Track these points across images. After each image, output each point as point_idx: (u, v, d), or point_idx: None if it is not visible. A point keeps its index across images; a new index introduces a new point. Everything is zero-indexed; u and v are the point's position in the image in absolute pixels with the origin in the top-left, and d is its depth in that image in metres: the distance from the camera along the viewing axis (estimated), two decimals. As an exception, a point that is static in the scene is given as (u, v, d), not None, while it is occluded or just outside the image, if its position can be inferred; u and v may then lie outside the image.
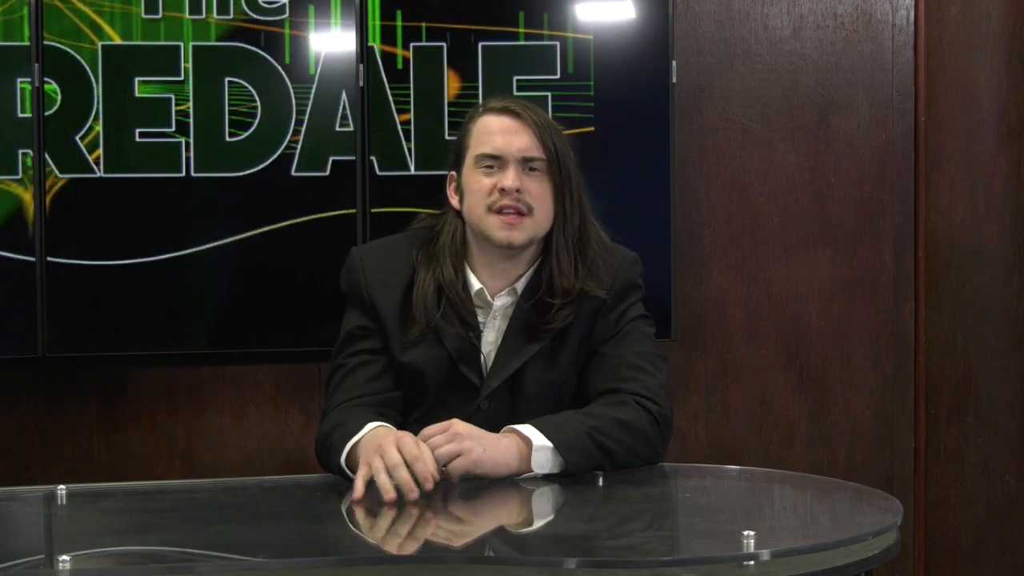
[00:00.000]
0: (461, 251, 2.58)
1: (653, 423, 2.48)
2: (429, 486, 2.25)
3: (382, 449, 2.27)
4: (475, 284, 2.57)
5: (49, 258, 3.31)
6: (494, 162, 2.53)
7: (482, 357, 2.56)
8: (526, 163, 2.53)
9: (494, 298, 2.57)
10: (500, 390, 2.54)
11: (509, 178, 2.51)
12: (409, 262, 2.58)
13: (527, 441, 2.37)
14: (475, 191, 2.54)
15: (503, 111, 2.57)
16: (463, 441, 2.31)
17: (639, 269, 2.66)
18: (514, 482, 2.37)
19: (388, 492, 2.23)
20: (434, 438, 2.31)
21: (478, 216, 2.54)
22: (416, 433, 2.36)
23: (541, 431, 2.39)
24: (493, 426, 2.44)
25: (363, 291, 2.58)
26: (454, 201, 2.61)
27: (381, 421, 2.44)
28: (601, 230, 2.66)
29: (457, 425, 2.34)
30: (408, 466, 2.24)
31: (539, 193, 2.54)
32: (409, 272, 2.57)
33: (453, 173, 2.62)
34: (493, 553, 2.03)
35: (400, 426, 2.51)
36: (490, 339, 2.57)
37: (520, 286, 2.58)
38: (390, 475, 2.24)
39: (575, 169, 2.61)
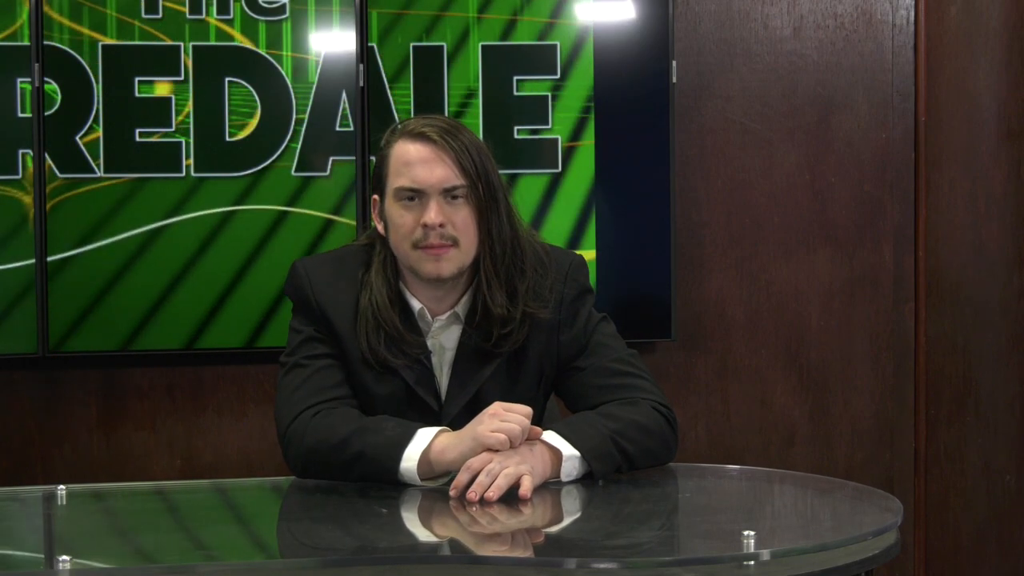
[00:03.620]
0: (393, 280, 2.51)
1: (666, 424, 2.47)
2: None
3: (496, 414, 2.31)
4: (416, 304, 2.50)
5: (49, 258, 3.32)
6: (414, 195, 2.45)
7: (435, 381, 2.51)
8: (447, 193, 2.44)
9: (434, 319, 2.51)
10: (460, 417, 2.46)
11: (432, 214, 2.42)
12: (355, 282, 2.51)
13: (555, 451, 2.36)
14: (399, 226, 2.46)
15: (419, 137, 2.46)
16: (522, 463, 2.29)
17: (584, 271, 2.59)
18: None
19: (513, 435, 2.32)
20: (498, 459, 2.28)
21: (404, 251, 2.46)
22: None
23: (566, 439, 2.36)
24: None
25: (314, 309, 2.51)
26: (380, 227, 2.53)
27: (424, 425, 2.40)
28: (536, 242, 2.58)
29: (510, 453, 2.31)
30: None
31: (463, 223, 2.45)
32: (355, 293, 2.51)
33: (376, 197, 2.53)
34: (493, 553, 2.03)
35: None
36: (436, 361, 2.52)
37: (461, 310, 2.51)
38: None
39: (500, 186, 2.51)
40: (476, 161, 2.46)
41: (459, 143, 2.46)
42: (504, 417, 2.31)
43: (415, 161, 2.45)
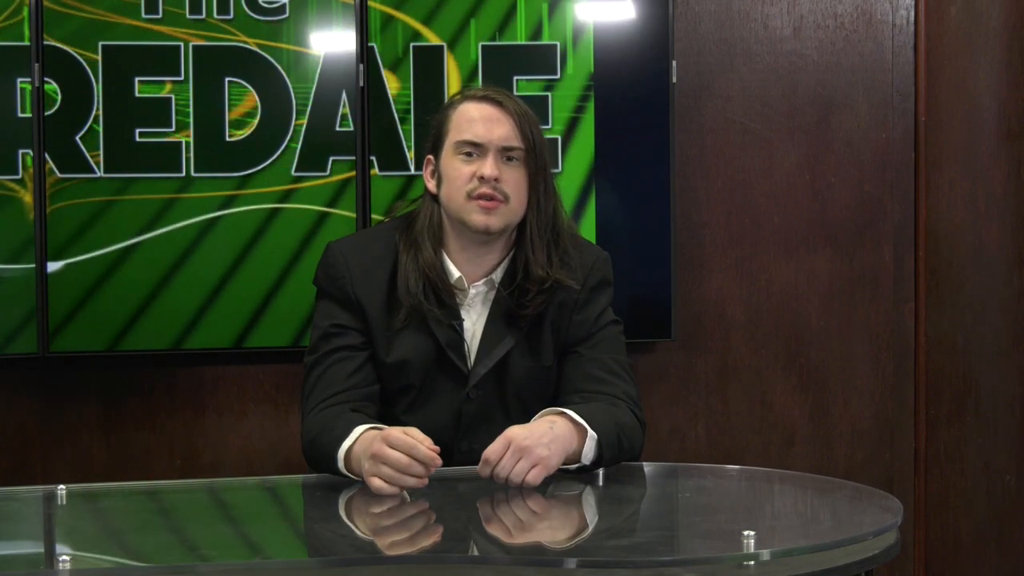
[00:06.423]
0: (438, 234, 2.61)
1: (641, 432, 2.54)
2: (439, 462, 2.28)
3: (379, 455, 2.27)
4: (454, 272, 2.59)
5: (49, 258, 3.32)
6: (474, 149, 2.56)
7: (466, 345, 2.58)
8: (505, 152, 2.56)
9: (471, 286, 2.60)
10: (487, 378, 2.57)
11: (488, 167, 2.54)
12: (391, 248, 2.61)
13: (580, 429, 2.39)
14: (454, 178, 2.57)
15: (484, 99, 2.60)
16: (531, 453, 2.31)
17: (609, 266, 2.70)
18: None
19: (404, 486, 2.29)
20: (503, 463, 2.31)
21: (456, 202, 2.56)
22: (411, 426, 2.36)
23: (587, 422, 2.41)
24: (482, 415, 2.55)
25: (348, 288, 2.59)
26: (431, 185, 2.64)
27: (365, 421, 2.44)
28: (571, 230, 2.70)
29: (516, 439, 2.33)
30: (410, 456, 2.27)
31: (516, 182, 2.57)
32: (391, 258, 2.60)
33: (430, 157, 2.65)
34: (493, 553, 2.03)
35: (385, 418, 2.53)
36: (468, 327, 2.59)
37: (497, 275, 2.61)
38: (402, 474, 2.27)
39: (549, 160, 2.66)
40: (534, 131, 2.60)
41: (522, 110, 2.60)
42: (385, 458, 2.28)
43: (478, 118, 2.58)
